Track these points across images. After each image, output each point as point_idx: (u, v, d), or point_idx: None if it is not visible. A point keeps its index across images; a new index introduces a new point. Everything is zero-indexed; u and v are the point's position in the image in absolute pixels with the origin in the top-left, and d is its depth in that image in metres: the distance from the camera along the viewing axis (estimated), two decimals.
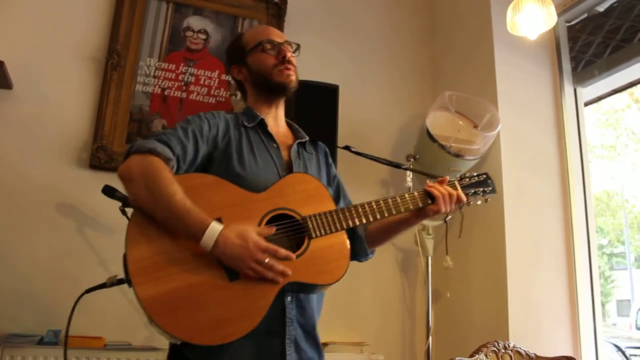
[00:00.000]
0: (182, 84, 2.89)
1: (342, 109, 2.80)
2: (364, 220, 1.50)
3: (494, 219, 2.72)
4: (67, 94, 2.70)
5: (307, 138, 1.71)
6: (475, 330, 2.73)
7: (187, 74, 2.91)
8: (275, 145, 1.60)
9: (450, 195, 1.57)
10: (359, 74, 3.30)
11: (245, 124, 1.60)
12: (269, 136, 1.61)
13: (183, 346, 1.36)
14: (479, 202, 1.69)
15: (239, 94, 2.91)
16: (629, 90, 3.20)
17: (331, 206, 1.49)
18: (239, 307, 1.31)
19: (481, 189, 1.67)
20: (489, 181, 1.69)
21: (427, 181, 1.62)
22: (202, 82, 2.93)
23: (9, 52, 2.54)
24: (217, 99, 2.93)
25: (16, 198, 2.52)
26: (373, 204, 1.52)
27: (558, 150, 2.85)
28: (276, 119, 1.69)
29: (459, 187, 1.62)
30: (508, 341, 2.24)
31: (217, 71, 2.96)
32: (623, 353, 5.61)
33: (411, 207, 1.56)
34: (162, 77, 2.86)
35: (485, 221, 2.81)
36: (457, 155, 2.71)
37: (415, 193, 1.57)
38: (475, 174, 1.69)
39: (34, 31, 2.70)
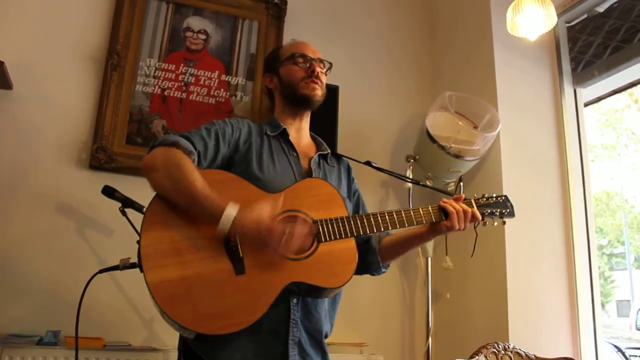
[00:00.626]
0: (182, 84, 2.89)
1: (342, 109, 2.80)
2: (375, 230, 1.52)
3: None
4: (67, 94, 2.70)
5: (329, 151, 1.75)
6: (475, 331, 2.73)
7: (187, 74, 2.91)
8: (295, 154, 1.65)
9: (465, 212, 1.57)
10: (359, 75, 3.30)
11: (268, 132, 1.66)
12: (290, 145, 1.66)
13: (191, 341, 1.40)
14: (495, 224, 1.66)
15: (238, 95, 2.94)
16: (628, 90, 3.20)
17: (343, 213, 1.52)
18: (241, 301, 1.34)
19: (498, 210, 1.66)
20: (508, 203, 1.68)
21: (443, 199, 1.61)
22: (202, 82, 2.92)
23: (8, 52, 2.54)
24: (217, 99, 2.93)
25: (16, 198, 2.52)
26: (386, 215, 1.54)
27: (558, 151, 2.85)
28: (299, 131, 1.73)
29: (474, 205, 1.62)
30: (508, 342, 2.23)
31: (217, 72, 2.96)
32: (623, 354, 5.61)
33: (424, 221, 1.57)
34: (162, 78, 2.86)
35: None
36: (457, 156, 2.71)
37: (430, 208, 1.58)
38: (494, 195, 1.68)
39: (33, 31, 2.69)
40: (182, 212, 1.39)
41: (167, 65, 2.88)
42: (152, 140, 1.49)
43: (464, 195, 1.63)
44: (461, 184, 2.89)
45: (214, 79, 2.95)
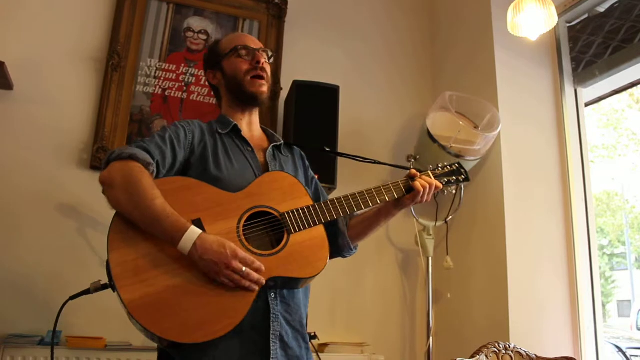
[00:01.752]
0: (183, 84, 2.90)
1: (343, 110, 2.80)
2: (341, 214, 1.54)
3: (495, 219, 2.72)
4: (68, 94, 2.71)
5: (282, 142, 1.75)
6: (475, 331, 2.73)
7: (188, 74, 2.91)
8: (250, 149, 1.64)
9: (428, 185, 1.63)
10: (360, 75, 3.30)
11: (220, 130, 1.64)
12: (244, 140, 1.65)
13: (169, 348, 1.38)
14: (454, 191, 1.74)
15: None
16: (629, 90, 3.20)
17: (308, 202, 1.53)
18: (221, 306, 1.33)
19: (454, 177, 1.72)
20: (462, 169, 1.75)
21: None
22: (202, 82, 2.92)
23: (9, 52, 2.55)
24: None
25: (17, 198, 2.52)
26: (349, 197, 1.56)
27: (558, 151, 2.85)
28: (250, 125, 1.72)
29: (432, 176, 1.68)
30: (509, 342, 2.24)
31: None
32: (624, 354, 5.61)
33: (387, 198, 1.61)
34: (162, 78, 2.86)
35: (486, 221, 2.81)
36: (458, 156, 2.71)
37: (390, 184, 1.62)
38: (447, 164, 1.74)
39: (34, 32, 2.70)
40: (143, 229, 1.37)
41: (167, 65, 2.89)
42: (108, 153, 1.44)
43: (414, 170, 1.66)
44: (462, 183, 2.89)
45: None
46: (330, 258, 1.58)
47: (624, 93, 3.07)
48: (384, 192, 1.60)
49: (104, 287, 1.50)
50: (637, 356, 6.46)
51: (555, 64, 2.96)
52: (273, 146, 1.70)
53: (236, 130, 1.66)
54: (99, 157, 2.62)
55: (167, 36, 2.93)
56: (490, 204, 2.79)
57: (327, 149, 1.85)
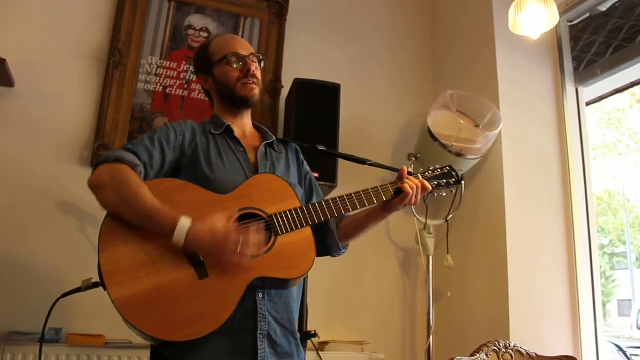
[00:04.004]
0: (184, 82, 2.90)
1: (344, 108, 2.80)
2: (329, 216, 1.55)
3: (495, 218, 2.72)
4: (69, 92, 2.71)
5: (274, 138, 1.75)
6: (476, 330, 2.73)
7: (189, 72, 2.91)
8: (242, 149, 1.65)
9: (416, 186, 1.62)
10: (361, 73, 3.30)
11: (213, 131, 1.65)
12: (236, 141, 1.66)
13: (160, 346, 1.41)
14: (444, 194, 1.73)
15: None
16: (631, 90, 3.20)
17: (296, 204, 1.54)
18: (208, 304, 1.36)
19: (445, 181, 1.71)
20: (453, 172, 1.74)
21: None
22: None
23: (11, 49, 2.55)
24: None
25: (18, 196, 2.52)
26: (337, 199, 1.57)
27: (559, 150, 2.85)
28: (242, 125, 1.73)
29: (420, 177, 1.67)
30: (509, 340, 2.24)
31: None
32: (624, 353, 5.61)
33: (375, 201, 1.61)
34: (163, 76, 2.86)
35: (486, 220, 2.81)
36: (459, 155, 2.70)
37: (379, 187, 1.62)
38: (438, 167, 1.74)
39: (36, 29, 2.70)
40: (136, 226, 1.39)
41: (169, 63, 2.89)
42: (95, 159, 1.48)
43: (406, 168, 1.65)
44: (462, 182, 2.89)
45: None
46: (320, 256, 1.61)
47: (625, 92, 3.07)
48: (372, 195, 1.60)
49: (95, 285, 1.53)
50: (637, 355, 6.46)
51: (556, 63, 2.96)
52: (265, 144, 1.70)
53: (229, 131, 1.67)
54: (100, 154, 2.61)
55: (169, 34, 2.93)
56: (491, 202, 2.79)
57: (321, 148, 1.84)
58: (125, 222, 1.39)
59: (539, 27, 2.43)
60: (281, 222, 1.48)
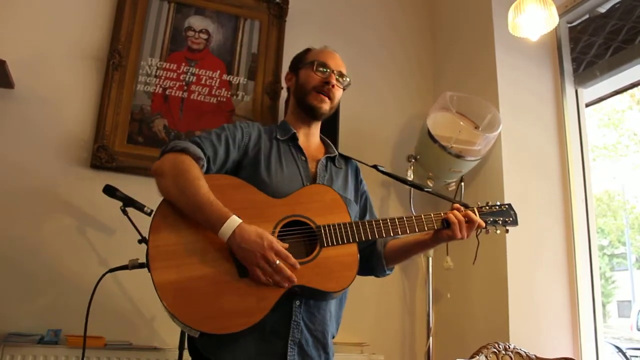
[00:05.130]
0: (184, 83, 2.90)
1: (344, 109, 2.80)
2: (377, 236, 1.55)
3: None
4: (69, 93, 2.71)
5: (337, 153, 1.77)
6: (475, 331, 2.73)
7: (189, 73, 2.91)
8: (303, 158, 1.68)
9: (467, 221, 1.58)
10: (360, 74, 3.29)
11: (278, 137, 1.69)
12: (299, 149, 1.69)
13: (196, 340, 1.44)
14: (498, 232, 1.67)
15: (240, 94, 2.95)
16: (630, 92, 3.20)
17: (346, 219, 1.55)
18: (242, 303, 1.38)
19: (501, 219, 1.67)
20: (512, 212, 1.69)
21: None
22: (203, 82, 2.93)
23: (10, 51, 2.55)
24: (218, 99, 2.93)
25: (17, 197, 2.52)
26: (388, 221, 1.57)
27: (559, 151, 2.85)
28: (308, 135, 1.76)
29: (477, 214, 1.62)
30: (508, 342, 2.24)
31: (219, 71, 2.97)
32: (624, 354, 5.61)
33: (426, 228, 1.60)
34: (163, 77, 2.86)
35: None
36: (458, 156, 2.71)
37: (432, 215, 1.60)
38: (498, 204, 1.69)
39: (35, 31, 2.70)
40: (189, 216, 1.43)
41: (168, 64, 2.89)
42: (164, 145, 1.52)
43: (460, 206, 1.62)
44: (462, 184, 2.90)
45: (215, 79, 2.95)
46: (363, 275, 1.65)
47: (624, 94, 3.07)
48: (423, 221, 1.59)
49: (141, 265, 1.62)
50: (637, 356, 6.46)
51: (555, 65, 2.96)
52: (327, 157, 1.73)
53: (294, 139, 1.70)
54: (99, 155, 2.63)
55: (168, 35, 2.93)
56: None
57: (381, 168, 1.85)
58: (178, 210, 1.43)
59: (539, 28, 2.43)
60: (328, 234, 1.49)
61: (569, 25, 2.97)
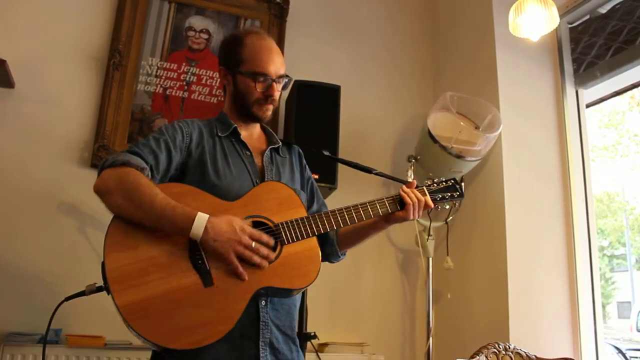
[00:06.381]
0: (184, 83, 2.90)
1: (344, 110, 2.80)
2: (335, 227, 1.55)
3: (495, 220, 2.72)
4: (69, 93, 2.71)
5: (280, 143, 1.75)
6: (475, 332, 2.73)
7: (189, 73, 2.91)
8: (248, 153, 1.65)
9: (419, 202, 1.62)
10: (360, 75, 3.30)
11: (219, 133, 1.64)
12: (243, 144, 1.66)
13: (162, 352, 1.40)
14: (447, 207, 1.74)
15: None
16: (630, 93, 3.20)
17: (303, 213, 1.55)
18: (213, 312, 1.36)
19: (449, 194, 1.71)
20: (457, 186, 1.74)
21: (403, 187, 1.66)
22: (203, 81, 2.93)
23: (11, 51, 2.55)
24: (219, 98, 2.94)
25: (17, 197, 2.52)
26: (343, 210, 1.57)
27: (559, 152, 2.85)
28: (249, 128, 1.72)
29: (427, 194, 1.66)
30: (508, 342, 2.24)
31: None
32: (623, 355, 5.61)
33: (380, 213, 1.61)
34: (163, 77, 2.86)
35: (486, 222, 2.81)
36: (459, 156, 2.71)
37: (385, 199, 1.62)
38: (443, 179, 1.73)
39: (36, 30, 2.70)
40: (143, 231, 1.39)
41: (169, 64, 2.89)
42: (100, 162, 1.46)
43: (415, 182, 1.66)
44: (462, 184, 2.89)
45: (215, 79, 2.95)
46: None
47: (625, 95, 3.07)
48: (377, 206, 1.61)
49: (99, 289, 1.53)
50: (636, 357, 6.46)
51: (556, 65, 2.96)
52: (271, 149, 1.70)
53: (236, 134, 1.66)
54: (100, 155, 2.62)
55: (169, 35, 2.93)
56: (490, 204, 2.79)
57: (326, 153, 1.85)
58: (131, 226, 1.39)
59: (539, 29, 2.43)
60: (287, 231, 1.48)
61: (570, 25, 2.97)
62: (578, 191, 2.78)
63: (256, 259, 1.38)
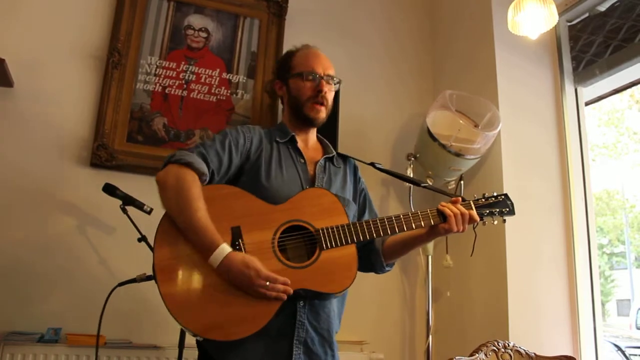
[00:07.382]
0: (183, 82, 2.89)
1: (343, 108, 2.80)
2: (374, 235, 1.58)
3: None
4: (68, 92, 2.71)
5: (334, 153, 1.80)
6: (475, 330, 2.74)
7: (188, 72, 2.91)
8: (302, 160, 1.71)
9: (462, 215, 1.62)
10: (360, 73, 3.30)
11: (278, 139, 1.72)
12: (298, 152, 1.72)
13: (204, 342, 1.50)
14: (495, 222, 1.70)
15: (239, 92, 2.95)
16: (629, 91, 3.20)
17: (344, 220, 1.58)
18: (249, 309, 1.43)
19: (497, 210, 1.70)
20: (508, 202, 1.72)
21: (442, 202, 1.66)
22: (202, 80, 2.92)
23: (10, 49, 2.55)
24: (218, 97, 2.93)
25: (17, 196, 2.52)
26: (385, 220, 1.60)
27: (558, 150, 2.85)
28: (306, 137, 1.79)
29: (473, 207, 1.67)
30: (508, 340, 2.24)
31: (218, 70, 2.96)
32: (623, 353, 5.61)
33: (423, 225, 1.63)
34: (162, 76, 2.86)
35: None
36: (458, 154, 2.71)
37: (428, 211, 1.63)
38: (494, 195, 1.71)
39: (35, 29, 2.70)
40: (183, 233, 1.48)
41: (168, 63, 2.89)
42: (170, 155, 1.54)
43: (460, 199, 1.66)
44: (462, 182, 2.90)
45: (214, 77, 2.95)
46: (364, 272, 1.70)
47: (624, 93, 3.07)
48: (420, 217, 1.62)
49: (149, 278, 1.70)
50: (636, 355, 6.47)
51: (555, 63, 2.96)
52: (325, 158, 1.76)
53: (293, 141, 1.73)
54: (99, 154, 2.62)
55: (168, 34, 2.93)
56: None
57: (379, 166, 1.87)
58: None
59: (538, 27, 2.43)
60: (327, 237, 1.53)
61: (569, 23, 2.97)
62: (577, 189, 2.78)
63: (272, 294, 1.42)
